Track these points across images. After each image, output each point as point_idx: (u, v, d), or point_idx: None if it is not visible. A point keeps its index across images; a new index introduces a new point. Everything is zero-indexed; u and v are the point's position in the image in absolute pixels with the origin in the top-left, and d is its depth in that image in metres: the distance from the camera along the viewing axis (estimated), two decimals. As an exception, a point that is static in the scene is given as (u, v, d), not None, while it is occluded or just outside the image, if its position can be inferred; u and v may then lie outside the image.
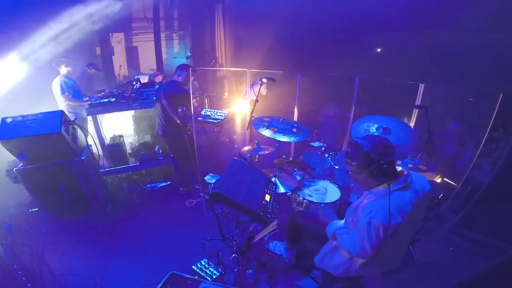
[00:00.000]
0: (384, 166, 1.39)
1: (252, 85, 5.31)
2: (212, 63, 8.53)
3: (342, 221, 1.69)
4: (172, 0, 7.78)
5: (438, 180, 3.21)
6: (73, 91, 3.88)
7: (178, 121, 3.14)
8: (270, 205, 1.96)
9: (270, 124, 2.78)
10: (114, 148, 3.59)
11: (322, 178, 2.89)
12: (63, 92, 3.75)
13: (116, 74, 7.62)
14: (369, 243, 1.35)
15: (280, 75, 5.42)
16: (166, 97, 3.11)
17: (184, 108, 3.13)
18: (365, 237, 1.36)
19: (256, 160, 3.71)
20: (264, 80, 2.93)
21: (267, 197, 2.00)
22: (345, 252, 1.56)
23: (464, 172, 3.23)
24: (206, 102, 6.90)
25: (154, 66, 8.14)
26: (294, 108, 4.03)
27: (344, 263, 1.61)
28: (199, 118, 3.65)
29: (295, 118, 3.99)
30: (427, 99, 3.25)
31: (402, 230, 1.39)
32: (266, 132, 2.66)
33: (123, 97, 3.69)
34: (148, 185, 3.70)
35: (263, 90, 5.18)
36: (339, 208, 2.49)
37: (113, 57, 7.50)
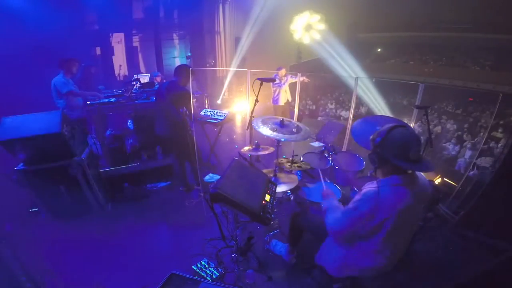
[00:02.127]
0: (388, 158, 1.40)
1: (281, 85, 5.25)
2: (212, 63, 8.54)
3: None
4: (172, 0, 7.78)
5: (438, 180, 3.21)
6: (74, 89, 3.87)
7: (180, 121, 3.13)
8: (270, 205, 1.96)
9: (270, 124, 2.78)
10: (114, 148, 3.59)
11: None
12: (68, 89, 3.69)
13: (116, 74, 7.63)
14: (346, 222, 1.47)
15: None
16: (167, 97, 3.11)
17: (185, 108, 3.13)
18: (346, 216, 1.48)
19: (257, 160, 3.71)
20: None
21: (267, 197, 2.00)
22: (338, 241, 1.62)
23: (464, 172, 3.23)
24: (206, 102, 6.91)
25: (154, 66, 8.15)
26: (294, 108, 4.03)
27: (340, 258, 1.61)
28: (199, 118, 3.66)
29: (295, 118, 4.00)
30: (427, 99, 3.25)
31: (391, 226, 1.40)
32: (266, 131, 2.65)
33: (123, 97, 3.69)
34: (148, 185, 3.70)
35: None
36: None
37: (113, 57, 7.51)
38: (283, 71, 5.46)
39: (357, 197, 1.49)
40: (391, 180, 1.42)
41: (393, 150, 1.38)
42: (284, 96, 5.54)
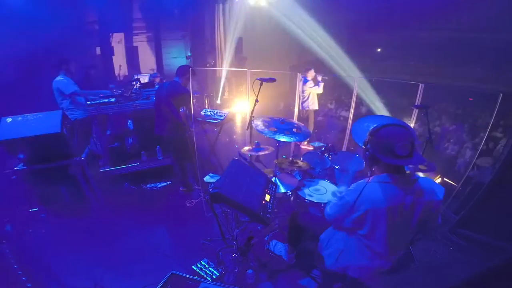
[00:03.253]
0: (376, 155, 1.42)
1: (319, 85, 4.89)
2: (212, 63, 8.54)
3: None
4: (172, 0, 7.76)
5: (438, 180, 3.21)
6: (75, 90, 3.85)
7: (181, 121, 3.13)
8: (270, 205, 1.96)
9: (270, 124, 2.78)
10: (114, 148, 3.59)
11: (322, 178, 2.89)
12: (73, 90, 3.66)
13: (116, 74, 7.62)
14: (334, 208, 1.59)
15: (280, 75, 5.42)
16: (168, 97, 3.11)
17: (185, 108, 3.13)
18: (336, 203, 1.59)
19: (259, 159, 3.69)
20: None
21: (267, 197, 2.00)
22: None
23: (464, 172, 3.23)
24: (206, 102, 6.90)
25: (154, 66, 8.14)
26: (294, 108, 4.03)
27: (335, 252, 1.62)
28: (199, 118, 3.65)
29: (295, 118, 4.00)
30: (427, 99, 3.24)
31: (377, 222, 1.43)
32: (264, 129, 2.64)
33: (123, 97, 3.69)
34: (148, 185, 3.70)
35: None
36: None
37: (113, 57, 7.50)
38: (312, 72, 4.92)
39: (350, 187, 1.58)
40: (382, 178, 1.46)
41: (380, 147, 1.42)
42: (315, 99, 5.07)
